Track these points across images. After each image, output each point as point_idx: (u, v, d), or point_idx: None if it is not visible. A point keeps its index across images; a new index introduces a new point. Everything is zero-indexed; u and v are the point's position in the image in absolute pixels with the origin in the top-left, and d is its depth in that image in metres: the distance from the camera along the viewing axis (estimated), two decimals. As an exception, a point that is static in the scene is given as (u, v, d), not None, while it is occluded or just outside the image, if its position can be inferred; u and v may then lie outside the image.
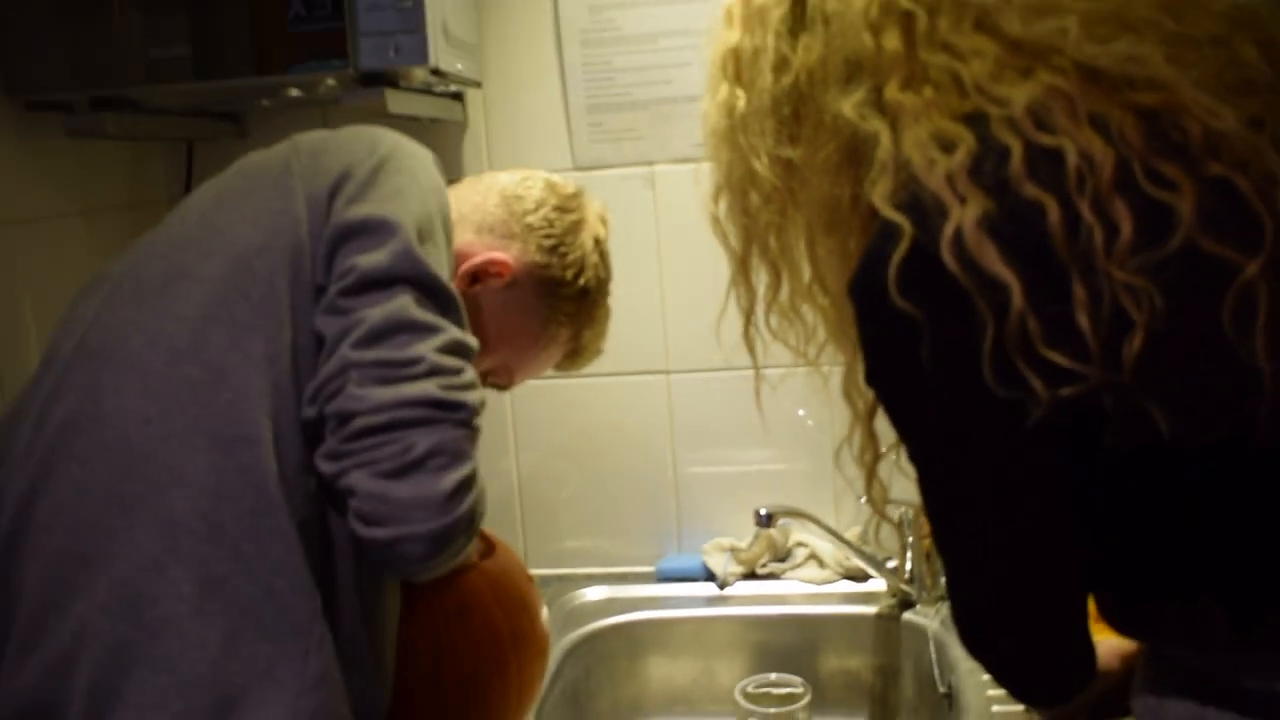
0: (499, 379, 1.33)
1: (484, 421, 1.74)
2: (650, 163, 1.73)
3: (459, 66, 1.53)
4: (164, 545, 0.97)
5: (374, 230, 1.02)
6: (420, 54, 1.42)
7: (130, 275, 1.10)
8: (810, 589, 1.71)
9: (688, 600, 1.72)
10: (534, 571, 1.69)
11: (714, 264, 1.67)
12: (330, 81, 1.45)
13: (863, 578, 1.70)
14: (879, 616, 1.64)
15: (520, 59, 1.74)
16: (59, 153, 1.59)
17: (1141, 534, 0.84)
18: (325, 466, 0.98)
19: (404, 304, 0.99)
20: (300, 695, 0.96)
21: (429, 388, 0.97)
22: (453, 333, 1.02)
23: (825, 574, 1.72)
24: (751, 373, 1.70)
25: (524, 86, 1.73)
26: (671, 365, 1.77)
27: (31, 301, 1.47)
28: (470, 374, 1.02)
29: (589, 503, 1.83)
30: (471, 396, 1.00)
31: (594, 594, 1.76)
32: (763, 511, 1.54)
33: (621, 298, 1.71)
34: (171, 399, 1.00)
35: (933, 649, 1.48)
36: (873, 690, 1.65)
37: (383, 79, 1.43)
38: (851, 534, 1.67)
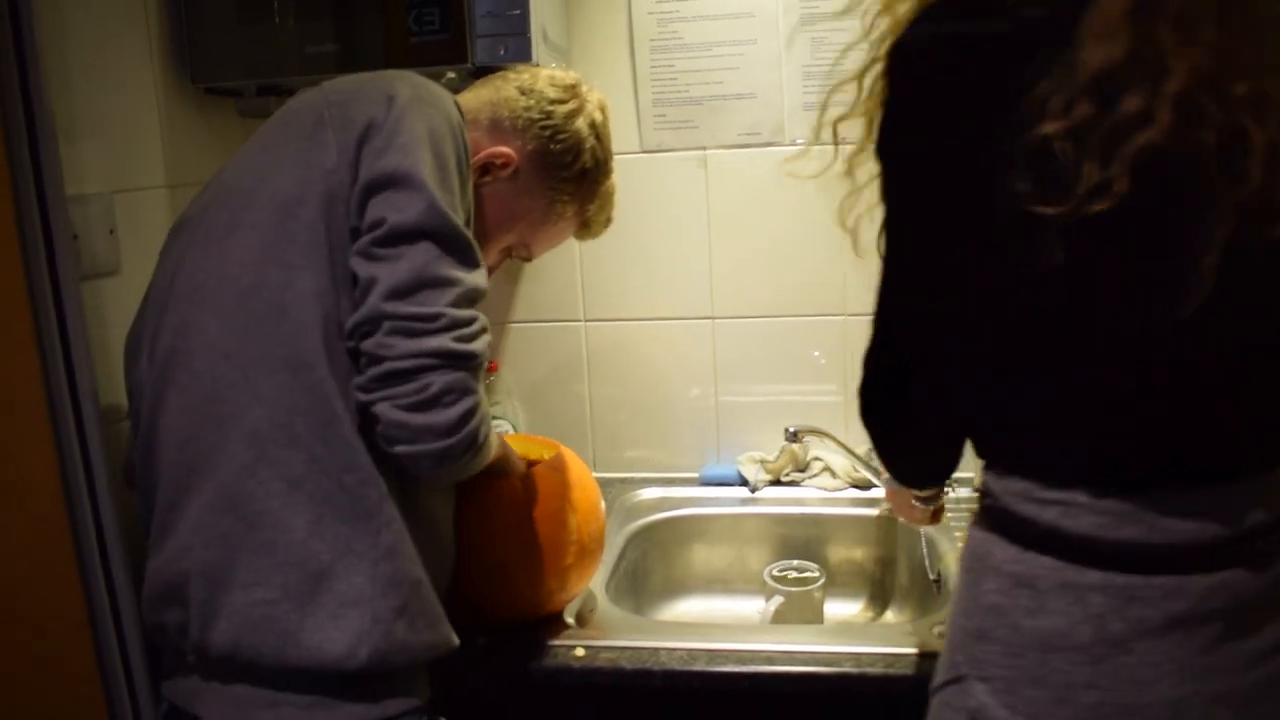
0: (520, 254, 1.34)
1: (563, 355, 1.86)
2: (703, 148, 1.76)
3: (553, 64, 1.51)
4: (254, 453, 1.02)
5: (400, 184, 1.02)
6: (525, 53, 1.44)
7: (201, 224, 1.11)
8: (824, 494, 1.76)
9: (725, 500, 1.78)
10: (599, 475, 1.72)
11: (753, 231, 1.75)
12: (450, 74, 1.46)
13: (867, 486, 1.76)
14: (879, 517, 1.71)
15: (600, 60, 1.76)
16: (232, 129, 1.65)
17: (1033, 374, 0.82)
18: (359, 395, 1.02)
19: (427, 258, 1.01)
20: (377, 563, 1.02)
21: (445, 341, 0.99)
22: (467, 283, 1.03)
23: (837, 483, 1.78)
24: (780, 320, 1.77)
25: (604, 83, 1.62)
26: (716, 312, 1.82)
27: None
28: (480, 321, 1.04)
29: (646, 422, 1.89)
30: (478, 344, 1.03)
31: (649, 494, 1.81)
32: (790, 428, 1.60)
33: (676, 255, 1.78)
34: (244, 333, 1.04)
35: (924, 544, 1.53)
36: (873, 577, 1.72)
37: (492, 73, 1.40)
38: (860, 451, 1.72)
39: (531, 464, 1.35)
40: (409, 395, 0.99)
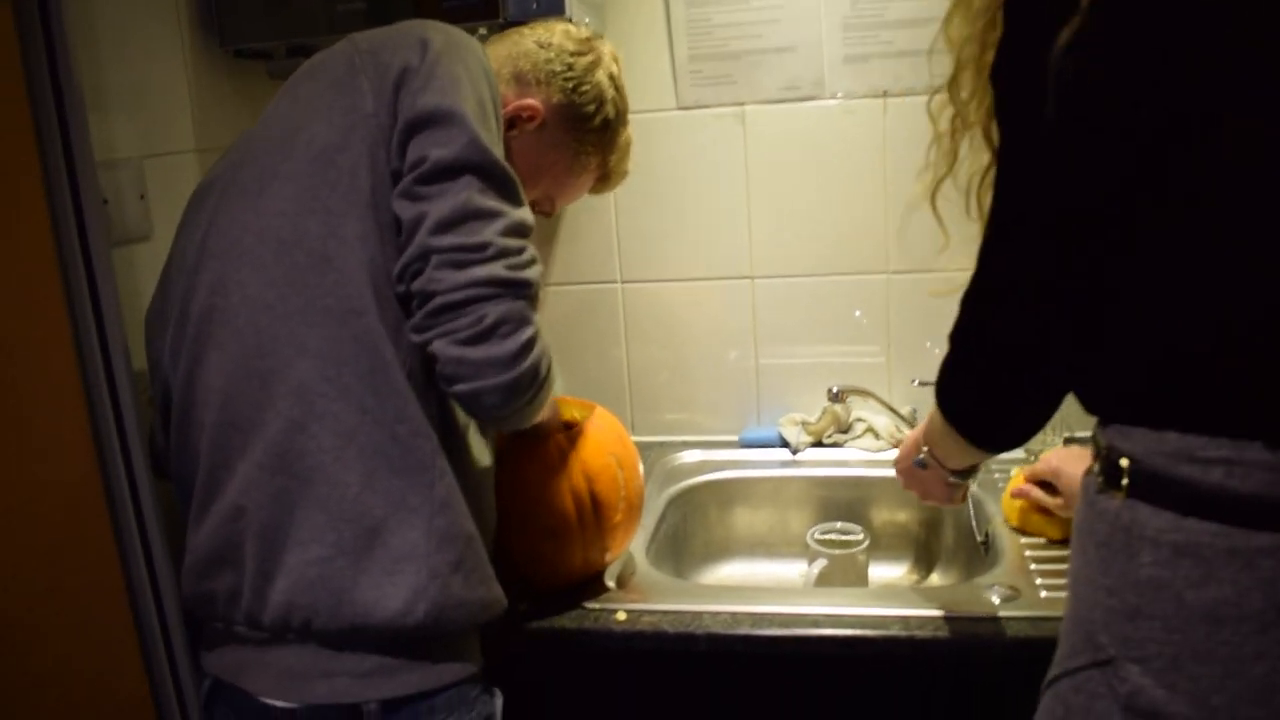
0: (543, 207, 1.32)
1: (600, 317, 1.84)
2: (741, 103, 1.72)
3: (587, 20, 1.53)
4: (302, 408, 1.00)
5: (442, 121, 1.00)
6: (558, 7, 1.41)
7: (232, 181, 1.09)
8: (867, 455, 1.73)
9: (766, 463, 1.76)
10: (638, 439, 1.74)
11: (793, 189, 1.73)
12: (483, 30, 1.43)
13: None
14: None
15: (635, 15, 1.72)
16: (263, 92, 1.58)
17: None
18: (414, 337, 0.99)
19: (471, 193, 0.98)
20: (432, 517, 1.00)
21: (496, 269, 0.97)
22: (513, 215, 1.01)
23: (880, 444, 1.75)
24: (820, 279, 1.74)
25: (638, 38, 1.72)
26: (755, 272, 1.79)
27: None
28: (530, 251, 1.01)
29: (685, 384, 1.86)
30: (531, 272, 1.00)
31: (689, 457, 1.79)
32: (834, 388, 1.56)
33: (714, 215, 1.76)
34: (286, 284, 1.01)
35: (970, 505, 1.49)
36: (918, 539, 1.69)
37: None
38: (904, 411, 1.70)
39: (569, 425, 1.33)
40: (465, 328, 0.96)
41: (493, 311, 0.97)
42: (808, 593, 1.42)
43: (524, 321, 0.99)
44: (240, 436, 1.03)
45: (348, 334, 1.00)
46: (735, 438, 1.84)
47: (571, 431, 1.30)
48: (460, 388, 0.99)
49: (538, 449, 1.27)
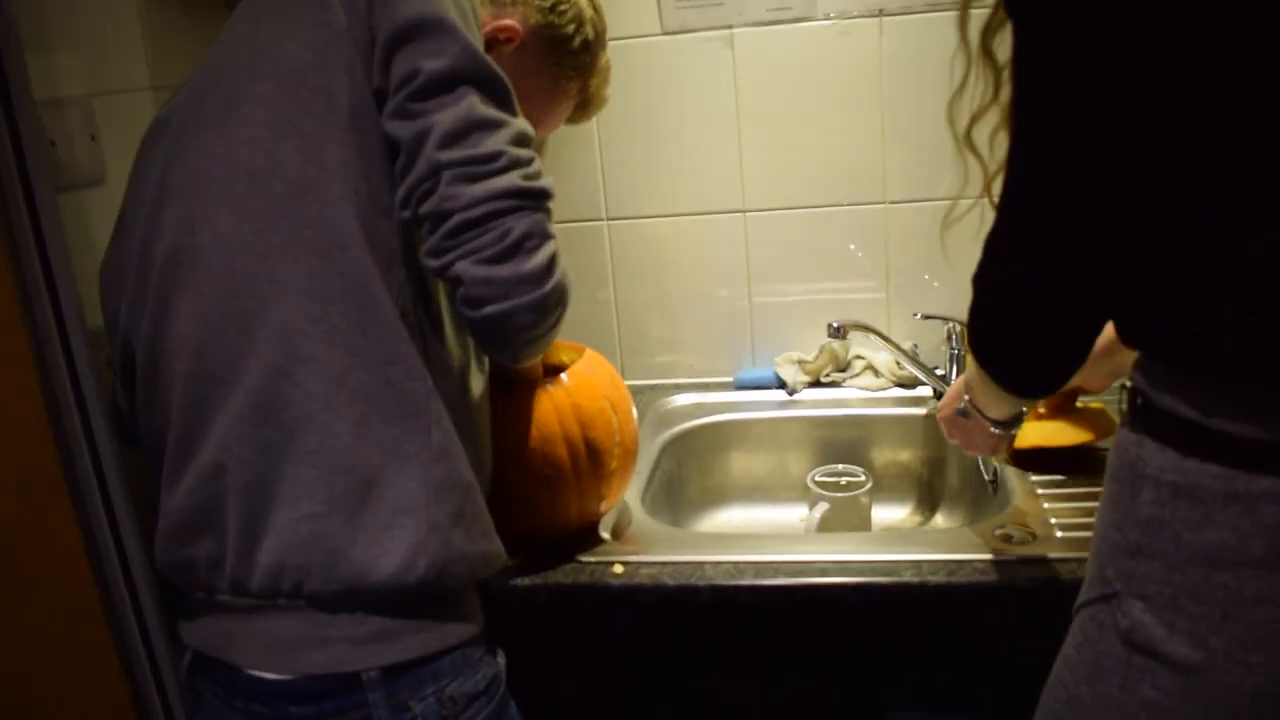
0: None
1: (585, 257, 1.78)
2: (729, 26, 1.64)
3: None
4: (285, 353, 0.92)
5: (430, 30, 0.93)
6: None
7: (191, 110, 1.00)
8: (867, 394, 1.69)
9: (762, 404, 1.71)
10: (629, 382, 1.71)
11: (785, 116, 1.66)
12: None
13: (912, 385, 1.68)
14: (927, 417, 1.63)
15: None
16: (220, 24, 1.49)
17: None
18: (431, 262, 0.93)
19: (471, 103, 0.92)
20: (429, 465, 0.94)
21: (513, 179, 0.91)
22: (516, 125, 0.95)
23: (880, 382, 1.70)
24: (816, 210, 1.68)
25: None
26: (747, 205, 1.72)
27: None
28: (539, 161, 0.95)
29: (676, 325, 1.81)
30: (546, 182, 0.95)
31: (682, 400, 1.75)
32: (835, 324, 1.51)
33: (702, 145, 1.71)
34: (263, 218, 0.93)
35: None
36: (921, 479, 1.65)
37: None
38: (906, 345, 1.65)
39: (559, 369, 1.28)
40: (489, 245, 0.90)
41: (517, 225, 0.91)
42: (812, 539, 1.36)
43: (547, 235, 0.93)
44: (217, 387, 0.95)
45: (333, 270, 0.92)
46: (730, 379, 1.79)
47: (562, 376, 1.24)
48: (490, 309, 0.92)
49: (528, 395, 1.21)
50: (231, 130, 0.96)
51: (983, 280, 0.84)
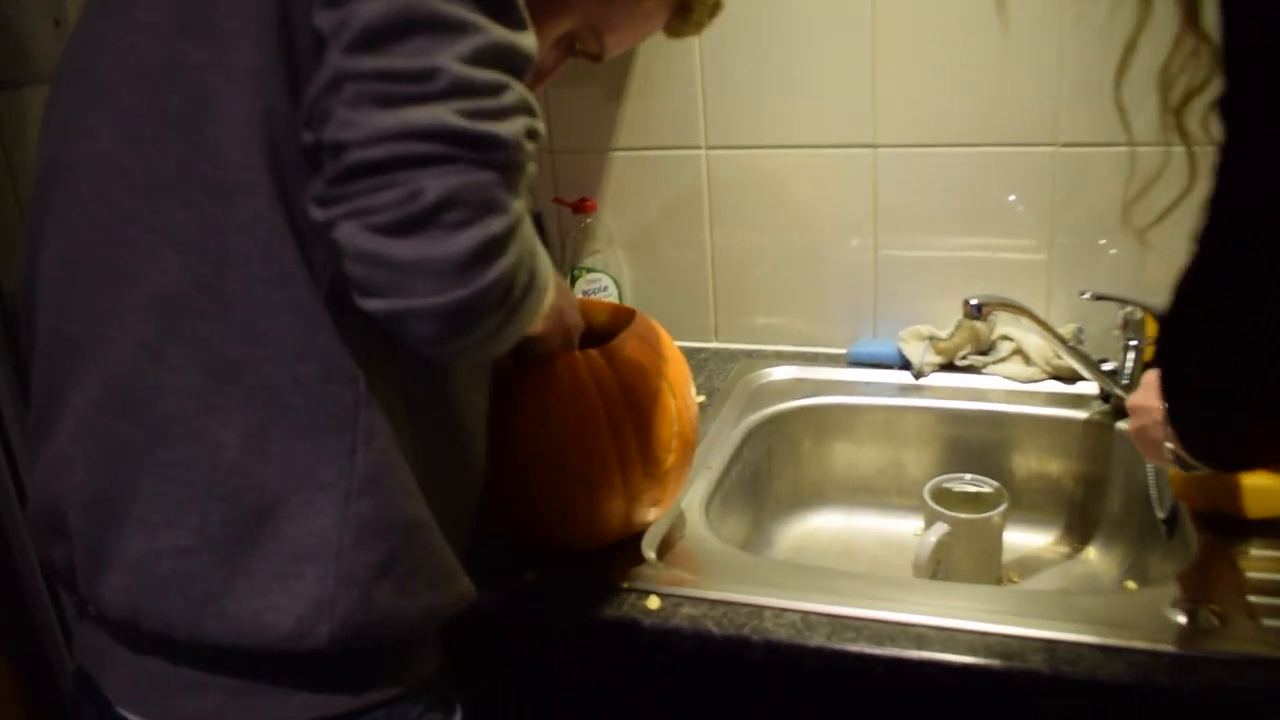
0: (586, 45, 0.96)
1: (677, 192, 1.53)
2: None
3: None
4: (159, 326, 0.71)
5: None
6: None
7: None
8: (1013, 386, 1.39)
9: (880, 387, 1.44)
10: (723, 345, 1.52)
11: (932, 34, 1.37)
12: None
13: (1072, 379, 1.37)
14: (1088, 422, 1.31)
15: None
16: None
17: None
18: (316, 214, 0.67)
19: None
20: (349, 498, 0.72)
21: (444, 114, 0.63)
22: (493, 33, 0.66)
23: (1031, 371, 1.40)
24: (965, 150, 1.41)
25: None
26: (879, 139, 1.44)
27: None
28: (514, 94, 0.67)
29: (784, 280, 1.55)
30: (508, 127, 0.65)
31: (782, 373, 1.48)
32: (973, 302, 1.21)
33: (826, 65, 1.46)
34: (150, 140, 0.72)
35: (1151, 470, 1.15)
36: (1073, 499, 1.35)
37: None
38: (1065, 331, 1.34)
39: (598, 334, 1.06)
40: (387, 208, 0.62)
41: (433, 184, 0.62)
42: (918, 588, 1.09)
43: (489, 207, 0.64)
44: (76, 357, 0.75)
45: (233, 221, 0.69)
46: (843, 351, 1.53)
47: (606, 345, 1.00)
48: (375, 304, 0.65)
49: (560, 369, 0.97)
50: (133, 14, 0.73)
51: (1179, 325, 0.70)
